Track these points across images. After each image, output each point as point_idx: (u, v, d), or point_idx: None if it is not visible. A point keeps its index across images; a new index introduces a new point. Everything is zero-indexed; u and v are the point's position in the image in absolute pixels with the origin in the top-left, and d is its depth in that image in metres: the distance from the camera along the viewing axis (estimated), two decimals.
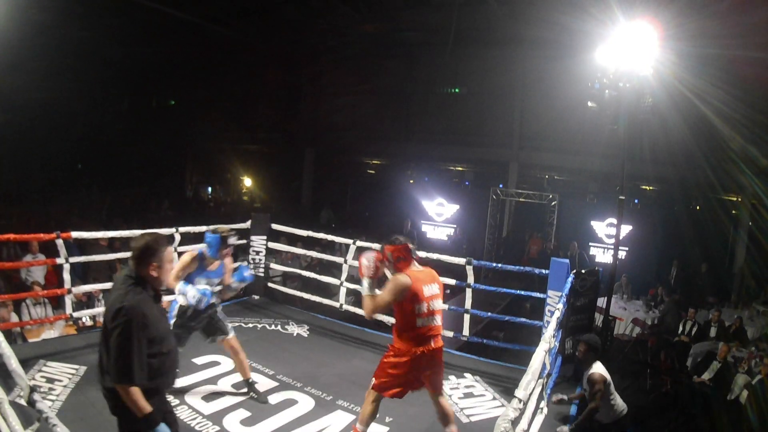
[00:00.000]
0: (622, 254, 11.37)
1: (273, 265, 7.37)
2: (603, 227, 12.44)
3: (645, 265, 11.73)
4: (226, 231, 4.15)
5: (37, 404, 2.34)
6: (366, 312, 3.43)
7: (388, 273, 3.55)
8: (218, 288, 4.17)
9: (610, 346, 7.73)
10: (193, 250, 4.17)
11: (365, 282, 3.43)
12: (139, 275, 2.58)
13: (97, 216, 12.44)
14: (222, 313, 4.31)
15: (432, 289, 3.48)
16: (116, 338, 2.40)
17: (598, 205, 12.98)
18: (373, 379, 3.50)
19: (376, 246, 4.30)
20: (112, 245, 8.49)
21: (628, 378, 7.36)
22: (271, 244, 7.12)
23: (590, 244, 12.46)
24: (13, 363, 2.64)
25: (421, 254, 5.91)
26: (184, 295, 3.96)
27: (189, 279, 4.02)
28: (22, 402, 2.54)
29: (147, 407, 2.40)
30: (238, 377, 4.58)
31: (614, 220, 9.14)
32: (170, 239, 6.26)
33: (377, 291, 3.46)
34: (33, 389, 2.46)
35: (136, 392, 2.38)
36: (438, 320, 3.51)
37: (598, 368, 4.27)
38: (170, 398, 4.08)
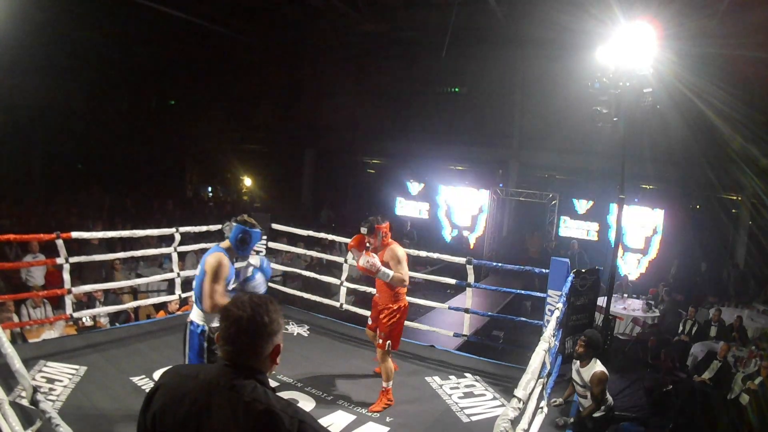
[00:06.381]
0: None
1: (273, 265, 7.35)
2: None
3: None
4: (257, 223, 3.55)
5: (40, 404, 2.34)
6: (404, 283, 4.27)
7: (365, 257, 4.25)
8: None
9: (610, 346, 7.73)
10: (215, 254, 3.38)
11: (383, 269, 4.18)
12: (250, 366, 1.53)
13: (98, 216, 12.44)
14: None
15: None
16: None
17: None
18: (389, 342, 4.28)
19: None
20: (111, 245, 8.49)
21: (628, 378, 7.36)
22: (272, 244, 7.12)
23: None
24: (17, 363, 2.65)
25: (422, 254, 5.95)
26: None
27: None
28: (25, 402, 2.54)
29: None
30: None
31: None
32: (171, 239, 6.28)
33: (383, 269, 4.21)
34: (36, 389, 2.45)
35: None
36: None
37: (600, 366, 4.24)
38: None
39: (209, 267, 3.32)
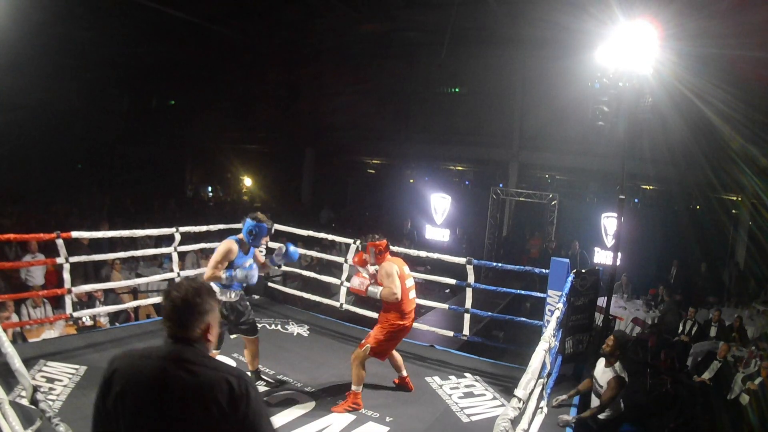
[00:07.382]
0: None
1: None
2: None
3: (645, 265, 11.72)
4: (268, 220, 4.25)
5: (40, 404, 2.33)
6: (395, 296, 4.16)
7: (371, 268, 4.38)
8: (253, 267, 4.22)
9: None
10: (227, 240, 4.13)
11: (372, 288, 4.25)
12: (189, 338, 1.69)
13: (98, 216, 12.44)
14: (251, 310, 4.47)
15: (406, 269, 4.38)
16: (254, 418, 1.63)
17: (598, 204, 12.99)
18: (368, 346, 4.23)
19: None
20: (111, 245, 8.48)
21: (628, 378, 7.36)
22: (272, 244, 7.12)
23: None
24: (17, 362, 2.65)
25: (421, 254, 5.95)
26: (233, 279, 4.03)
27: (229, 267, 4.08)
28: (25, 402, 2.54)
29: None
30: None
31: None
32: (171, 239, 6.28)
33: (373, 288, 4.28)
34: (36, 389, 2.45)
35: None
36: (414, 294, 4.46)
37: (621, 371, 4.20)
38: None
39: (219, 248, 4.07)
